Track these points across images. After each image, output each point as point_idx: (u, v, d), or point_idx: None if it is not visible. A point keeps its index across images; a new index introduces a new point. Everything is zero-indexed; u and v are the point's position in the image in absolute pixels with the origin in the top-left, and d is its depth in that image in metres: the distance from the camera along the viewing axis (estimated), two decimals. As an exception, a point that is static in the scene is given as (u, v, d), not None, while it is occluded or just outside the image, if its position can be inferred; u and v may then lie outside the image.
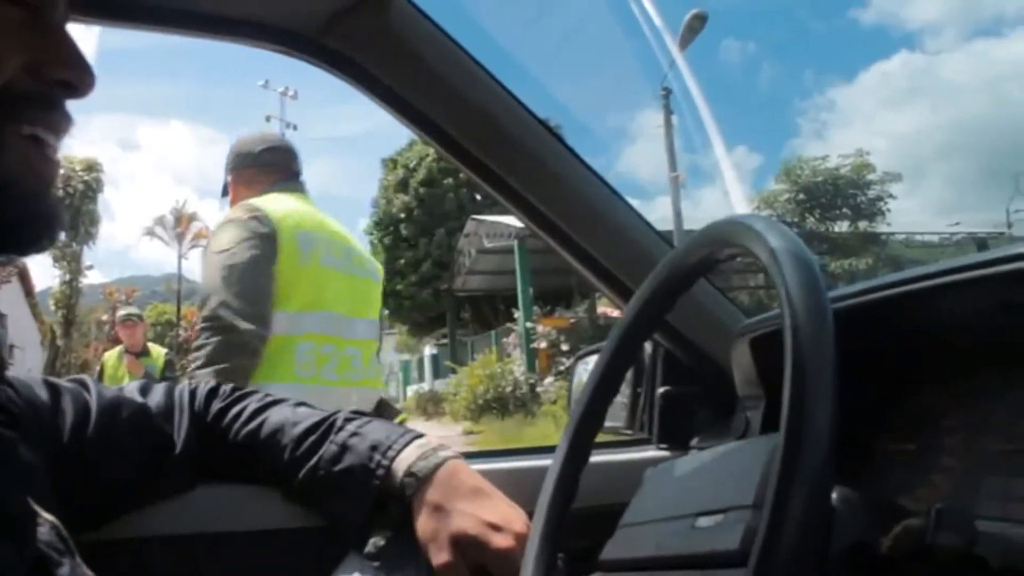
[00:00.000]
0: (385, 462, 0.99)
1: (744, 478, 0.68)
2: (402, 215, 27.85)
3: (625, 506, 0.86)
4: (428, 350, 32.93)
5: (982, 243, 24.45)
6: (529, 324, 18.68)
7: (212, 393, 1.11)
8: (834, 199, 24.61)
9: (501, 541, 0.93)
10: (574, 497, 0.85)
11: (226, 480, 1.08)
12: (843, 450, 0.54)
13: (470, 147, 1.16)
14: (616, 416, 1.34)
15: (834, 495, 0.59)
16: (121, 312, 7.75)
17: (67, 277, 33.11)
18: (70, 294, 33.27)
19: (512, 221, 17.46)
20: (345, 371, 2.39)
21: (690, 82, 18.90)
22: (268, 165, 2.57)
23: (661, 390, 1.30)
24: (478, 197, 25.40)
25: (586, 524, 0.87)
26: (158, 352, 7.58)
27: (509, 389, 17.73)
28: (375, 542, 0.96)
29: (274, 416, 1.06)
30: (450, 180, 26.61)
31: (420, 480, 0.97)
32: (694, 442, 1.22)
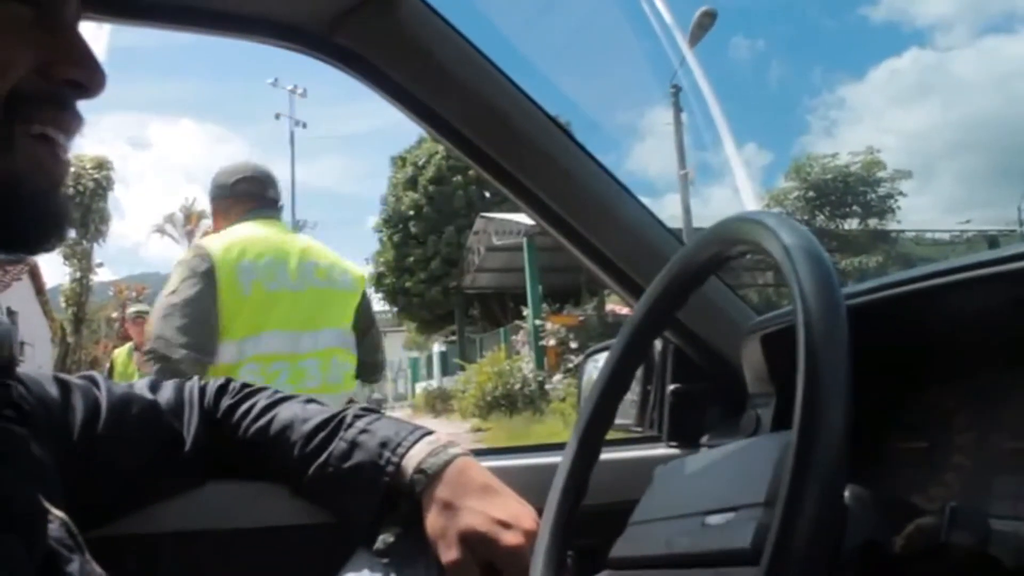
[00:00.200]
0: (395, 459, 0.99)
1: (755, 476, 0.68)
2: (411, 212, 27.84)
3: (635, 504, 0.85)
4: (437, 347, 32.97)
5: (993, 241, 24.36)
6: (538, 322, 18.65)
7: (222, 390, 1.11)
8: (844, 197, 24.51)
9: (510, 538, 0.93)
10: (584, 495, 0.85)
11: (235, 477, 1.08)
12: (855, 448, 0.54)
13: (480, 144, 1.16)
14: (626, 414, 1.33)
15: (846, 493, 0.59)
16: (131, 309, 7.79)
17: (77, 274, 33.21)
18: (80, 291, 33.38)
19: (521, 218, 17.46)
20: (300, 382, 2.52)
21: (700, 79, 18.87)
22: (242, 195, 2.74)
23: (671, 387, 1.29)
24: (487, 194, 25.38)
25: (596, 522, 0.87)
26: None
27: (518, 387, 17.72)
28: (384, 539, 0.96)
29: (284, 413, 1.06)
30: (459, 178, 26.59)
31: (430, 477, 0.97)
32: (704, 440, 1.22)
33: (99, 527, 0.94)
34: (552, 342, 18.13)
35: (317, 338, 2.58)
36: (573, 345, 17.37)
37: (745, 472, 0.73)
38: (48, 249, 0.73)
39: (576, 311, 20.12)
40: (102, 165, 32.25)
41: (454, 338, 29.50)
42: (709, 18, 18.09)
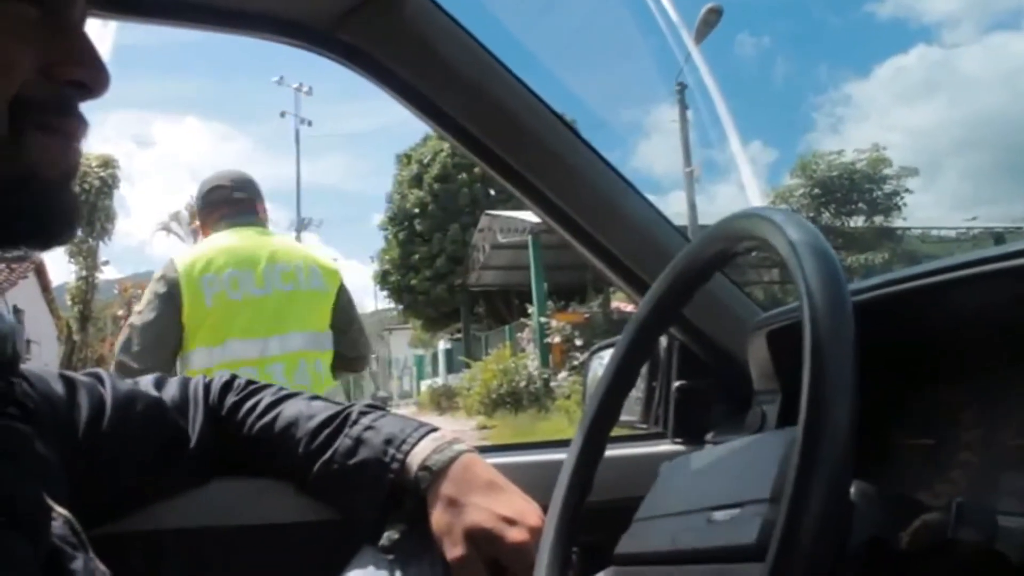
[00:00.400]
0: (400, 456, 0.99)
1: (761, 472, 0.68)
2: (416, 210, 27.86)
3: (640, 500, 0.85)
4: (442, 345, 33.00)
5: (999, 237, 24.25)
6: (543, 319, 18.66)
7: (226, 387, 1.11)
8: (850, 194, 24.42)
9: (516, 535, 0.93)
10: (589, 491, 0.85)
11: (240, 474, 1.08)
12: (861, 444, 0.54)
13: (485, 141, 1.15)
14: (631, 410, 1.33)
15: (852, 489, 0.58)
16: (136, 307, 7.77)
17: (83, 273, 33.20)
18: (86, 289, 33.38)
19: (526, 216, 17.46)
20: None
21: (706, 76, 18.87)
22: (216, 203, 2.86)
23: (676, 384, 1.29)
24: (492, 192, 25.38)
25: (601, 518, 0.87)
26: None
27: (523, 384, 17.73)
28: (389, 535, 0.96)
29: (288, 410, 1.06)
30: (464, 175, 26.60)
31: (434, 474, 0.97)
32: (710, 436, 1.22)
33: (104, 524, 0.94)
34: (557, 339, 18.16)
35: (284, 341, 2.66)
36: (578, 342, 17.38)
37: (751, 468, 0.72)
38: (59, 244, 0.72)
39: (581, 308, 20.16)
40: (108, 163, 32.26)
41: (459, 336, 29.53)
42: (715, 15, 18.08)
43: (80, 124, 0.72)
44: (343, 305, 2.84)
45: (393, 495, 0.99)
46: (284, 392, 1.10)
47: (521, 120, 1.15)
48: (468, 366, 21.45)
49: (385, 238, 29.73)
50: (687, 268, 0.81)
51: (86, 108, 0.73)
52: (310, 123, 38.88)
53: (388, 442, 1.00)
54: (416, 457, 0.98)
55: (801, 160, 26.05)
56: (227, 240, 2.73)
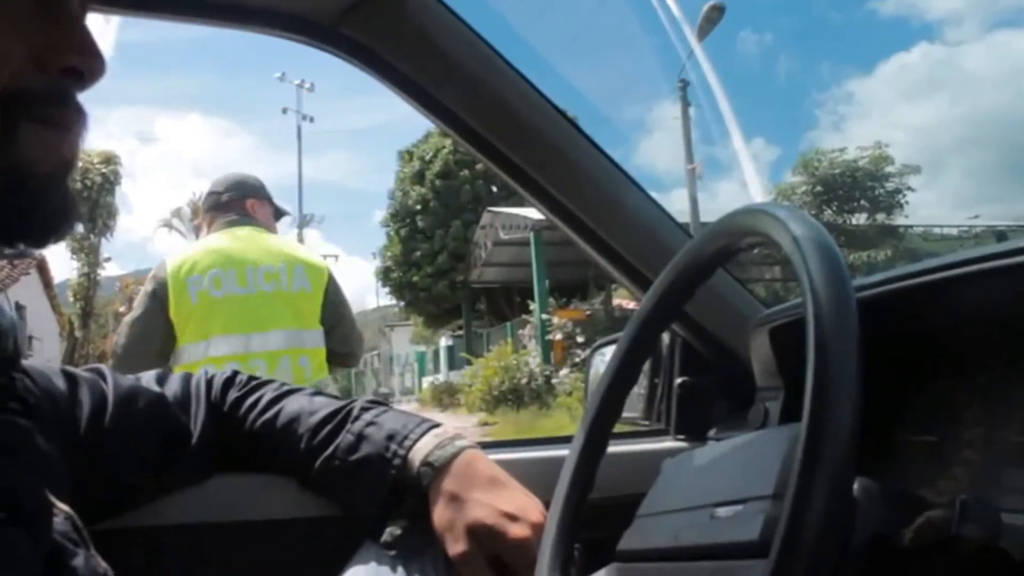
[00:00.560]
0: (401, 452, 0.98)
1: (763, 468, 0.68)
2: (418, 207, 27.87)
3: (642, 497, 0.85)
4: (444, 341, 32.98)
5: (1001, 236, 24.19)
6: (545, 316, 18.66)
7: (228, 382, 1.11)
8: (852, 191, 24.37)
9: (517, 531, 0.93)
10: (591, 488, 0.84)
11: (242, 469, 1.08)
12: (864, 441, 0.54)
13: (488, 136, 1.15)
14: (633, 407, 1.33)
15: (855, 486, 0.58)
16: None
17: (85, 269, 33.20)
18: (88, 286, 33.39)
19: (528, 213, 17.46)
20: None
21: (708, 73, 18.86)
22: (209, 208, 3.02)
23: (679, 381, 1.29)
24: (494, 189, 25.40)
25: (603, 515, 0.86)
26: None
27: (524, 381, 17.71)
28: (391, 531, 0.96)
29: (290, 405, 1.06)
30: (466, 172, 26.61)
31: (436, 470, 0.97)
32: (712, 433, 1.22)
33: (105, 520, 0.94)
34: (559, 336, 18.16)
35: (267, 339, 2.77)
36: (580, 339, 17.39)
37: (753, 465, 0.72)
38: (56, 239, 0.71)
39: (583, 305, 20.17)
40: (109, 160, 32.26)
41: (461, 332, 29.52)
42: (717, 12, 18.06)
43: (78, 115, 0.70)
44: (331, 302, 2.91)
45: (395, 491, 0.98)
46: (286, 388, 1.10)
47: (524, 116, 1.15)
48: (470, 363, 21.42)
49: (387, 235, 29.78)
50: (689, 264, 0.81)
51: (89, 104, 0.72)
52: (312, 119, 38.71)
53: (390, 438, 1.00)
54: (418, 453, 0.98)
55: (803, 157, 25.99)
56: (217, 242, 2.86)
